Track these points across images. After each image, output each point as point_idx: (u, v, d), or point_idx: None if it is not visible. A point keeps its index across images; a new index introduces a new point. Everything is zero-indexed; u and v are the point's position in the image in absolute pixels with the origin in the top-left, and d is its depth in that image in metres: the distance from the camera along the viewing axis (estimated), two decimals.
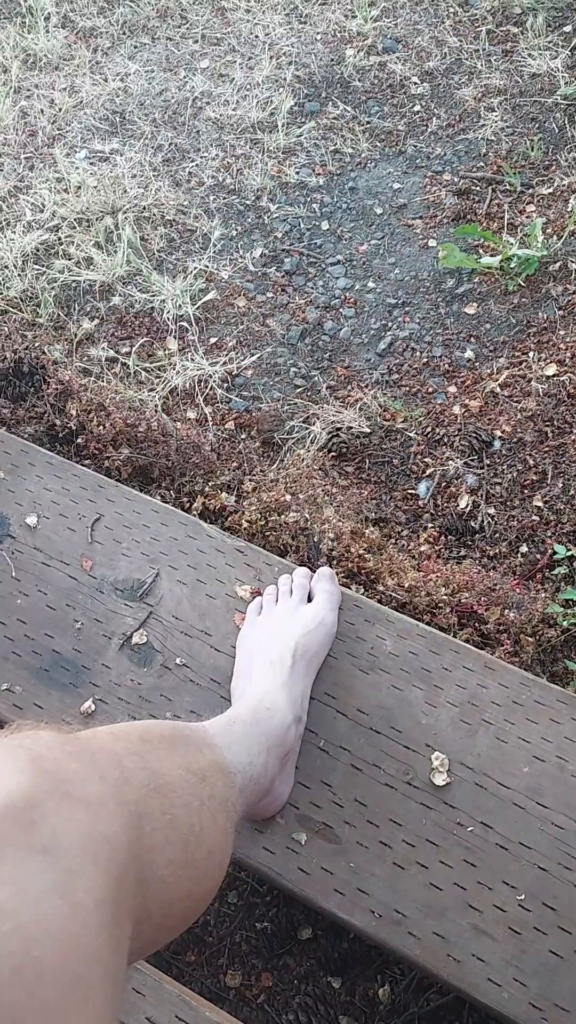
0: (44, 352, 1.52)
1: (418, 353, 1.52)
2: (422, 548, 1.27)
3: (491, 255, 1.58)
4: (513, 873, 0.90)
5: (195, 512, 1.28)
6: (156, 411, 1.44)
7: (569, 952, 0.86)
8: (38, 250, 1.68)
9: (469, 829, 0.93)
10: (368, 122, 1.84)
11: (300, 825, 0.95)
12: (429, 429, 1.42)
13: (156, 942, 0.60)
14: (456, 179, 1.73)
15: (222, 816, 0.67)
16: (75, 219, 1.71)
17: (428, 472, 1.38)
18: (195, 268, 1.64)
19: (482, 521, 1.31)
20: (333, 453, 1.41)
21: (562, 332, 1.48)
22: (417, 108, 1.85)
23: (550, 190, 1.67)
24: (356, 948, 1.05)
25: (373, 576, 1.20)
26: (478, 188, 1.71)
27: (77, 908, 0.42)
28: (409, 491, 1.38)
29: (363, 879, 0.92)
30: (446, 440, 1.40)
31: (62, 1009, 0.39)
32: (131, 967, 0.84)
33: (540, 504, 1.31)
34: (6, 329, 1.56)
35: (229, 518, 1.28)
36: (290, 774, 0.95)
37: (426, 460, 1.39)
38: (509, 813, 0.93)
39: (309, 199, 1.74)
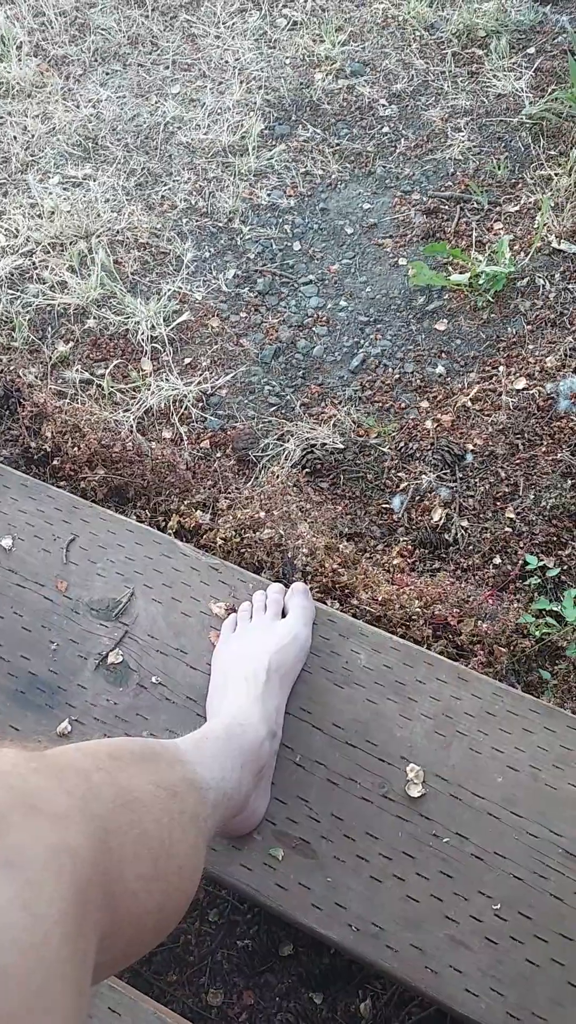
0: (19, 375, 1.53)
1: (390, 369, 1.53)
2: (396, 561, 1.28)
3: (460, 272, 1.61)
4: (489, 883, 0.90)
5: (170, 531, 1.29)
6: (131, 431, 1.44)
7: (545, 960, 0.86)
8: (12, 275, 1.69)
9: (444, 840, 0.93)
10: (338, 144, 1.87)
11: (277, 841, 0.95)
12: (402, 444, 1.44)
13: (129, 956, 0.60)
14: (425, 198, 1.75)
15: (193, 831, 0.67)
16: (49, 244, 1.72)
17: (402, 486, 1.39)
18: (169, 290, 1.65)
19: (455, 534, 1.33)
20: (307, 469, 1.42)
21: (531, 346, 1.50)
22: (386, 129, 1.88)
23: (516, 208, 1.70)
24: (337, 963, 1.05)
25: (347, 590, 1.21)
26: (446, 207, 1.74)
27: (40, 919, 0.43)
28: (383, 505, 1.39)
29: (340, 893, 0.92)
30: (419, 455, 1.42)
31: (25, 1019, 0.40)
32: (105, 983, 0.84)
33: (512, 516, 1.32)
34: None
35: (204, 536, 1.28)
36: (266, 790, 0.95)
37: (400, 475, 1.41)
38: (484, 823, 0.94)
39: (281, 220, 1.76)
